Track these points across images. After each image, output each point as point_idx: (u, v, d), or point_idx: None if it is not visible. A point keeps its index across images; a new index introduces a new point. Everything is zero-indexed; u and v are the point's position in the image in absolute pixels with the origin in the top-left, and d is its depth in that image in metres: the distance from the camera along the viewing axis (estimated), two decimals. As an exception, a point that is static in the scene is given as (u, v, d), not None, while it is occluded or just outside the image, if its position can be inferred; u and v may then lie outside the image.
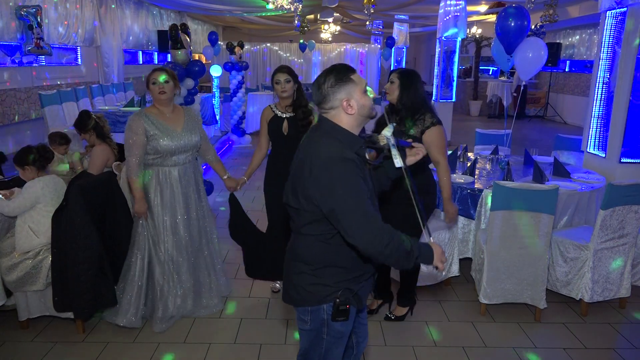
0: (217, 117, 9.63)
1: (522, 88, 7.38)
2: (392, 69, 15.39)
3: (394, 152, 1.82)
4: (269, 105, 3.41)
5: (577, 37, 13.26)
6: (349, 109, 1.75)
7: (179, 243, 3.14)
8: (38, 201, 2.97)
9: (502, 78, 14.37)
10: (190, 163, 3.17)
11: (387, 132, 1.83)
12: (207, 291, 3.33)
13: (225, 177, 3.35)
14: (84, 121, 3.72)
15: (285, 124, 3.29)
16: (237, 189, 3.35)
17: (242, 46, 9.38)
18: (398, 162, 1.82)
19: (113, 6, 9.99)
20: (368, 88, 1.85)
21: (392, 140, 1.82)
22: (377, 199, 1.91)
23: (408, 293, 3.28)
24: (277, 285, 3.64)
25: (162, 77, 2.97)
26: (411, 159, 2.00)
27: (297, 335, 3.10)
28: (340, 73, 1.76)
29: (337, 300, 1.80)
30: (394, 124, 1.87)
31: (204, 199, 3.33)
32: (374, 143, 1.83)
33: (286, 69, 3.28)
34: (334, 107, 1.77)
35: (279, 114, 3.32)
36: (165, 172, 3.07)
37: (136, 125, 2.93)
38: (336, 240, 1.78)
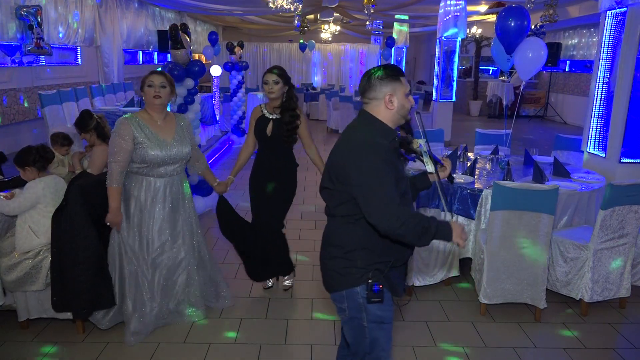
0: (217, 117, 9.63)
1: (522, 88, 7.38)
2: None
3: (426, 159, 1.96)
4: (259, 105, 3.41)
5: (577, 37, 13.26)
6: (389, 104, 1.86)
7: (157, 258, 3.00)
8: (39, 201, 2.98)
9: (502, 78, 14.37)
10: (178, 175, 3.03)
11: (422, 141, 1.96)
12: (189, 306, 3.18)
13: (215, 184, 3.30)
14: (85, 121, 3.72)
15: (270, 125, 3.28)
16: (227, 191, 3.37)
17: (242, 46, 9.39)
18: (430, 167, 1.98)
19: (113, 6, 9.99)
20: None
21: (425, 148, 1.96)
22: (410, 191, 2.02)
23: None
24: (286, 282, 3.65)
25: (160, 81, 2.83)
26: (440, 174, 2.10)
27: (295, 336, 3.11)
28: (392, 70, 1.88)
29: (370, 280, 1.85)
30: (426, 139, 2.00)
31: (191, 212, 3.16)
32: (408, 143, 1.96)
33: (277, 70, 3.25)
34: (376, 98, 1.88)
35: (267, 114, 3.31)
36: (149, 182, 2.91)
37: (124, 129, 2.76)
38: (364, 222, 1.85)
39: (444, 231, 1.82)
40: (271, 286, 3.68)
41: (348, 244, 1.89)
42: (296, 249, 4.42)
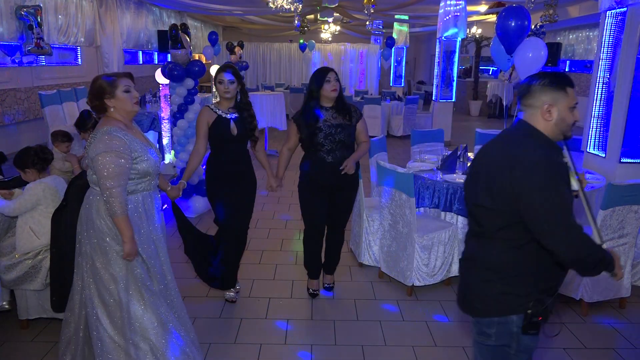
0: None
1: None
2: (391, 69, 15.40)
3: (571, 174, 1.76)
4: (208, 106, 3.22)
5: (577, 37, 13.26)
6: (546, 114, 1.70)
7: (159, 284, 2.54)
8: (39, 203, 2.98)
9: (504, 79, 14.31)
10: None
11: (566, 153, 1.78)
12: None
13: (168, 188, 2.91)
14: (84, 120, 3.76)
15: (232, 125, 3.17)
16: (179, 196, 3.02)
17: (242, 46, 9.40)
18: (574, 184, 1.76)
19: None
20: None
21: (569, 163, 1.77)
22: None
23: (337, 263, 3.70)
24: (232, 294, 3.49)
25: (133, 85, 2.40)
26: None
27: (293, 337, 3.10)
28: (557, 78, 1.72)
29: (529, 311, 1.71)
30: (567, 147, 1.83)
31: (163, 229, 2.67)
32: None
33: (231, 69, 3.17)
34: (533, 105, 1.73)
35: (224, 115, 3.18)
36: (138, 199, 2.44)
37: (121, 145, 2.27)
38: (530, 247, 1.70)
39: (610, 260, 1.67)
40: (235, 298, 3.50)
41: (510, 269, 1.72)
42: (296, 249, 4.42)
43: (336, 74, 3.30)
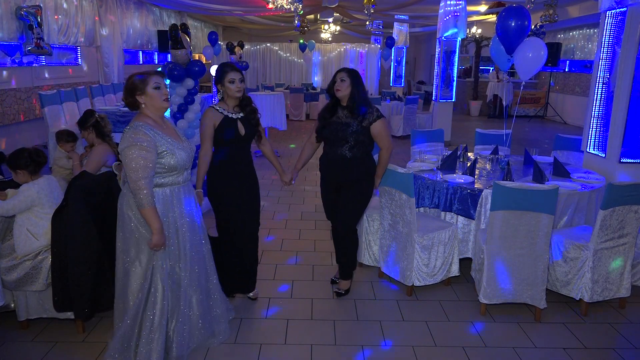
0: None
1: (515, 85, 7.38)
2: (391, 69, 15.40)
3: None
4: (213, 107, 3.15)
5: (577, 37, 13.26)
6: None
7: (192, 269, 2.77)
8: (34, 204, 2.98)
9: (504, 79, 14.24)
10: (190, 180, 2.80)
11: None
12: (217, 316, 2.98)
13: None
14: (86, 118, 3.78)
15: (239, 124, 3.15)
16: (200, 204, 3.02)
17: (242, 46, 9.40)
18: None
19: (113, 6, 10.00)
20: None
21: None
22: None
23: (350, 267, 3.61)
24: (252, 294, 3.51)
25: (165, 83, 2.56)
26: None
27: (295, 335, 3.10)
28: None
29: None
30: None
31: (200, 217, 2.91)
32: None
33: (237, 68, 3.17)
34: None
35: (230, 115, 3.14)
36: (165, 192, 2.61)
37: (146, 139, 2.42)
38: None
39: None
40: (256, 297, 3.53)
41: None
42: (296, 249, 4.42)
43: (347, 73, 3.28)
